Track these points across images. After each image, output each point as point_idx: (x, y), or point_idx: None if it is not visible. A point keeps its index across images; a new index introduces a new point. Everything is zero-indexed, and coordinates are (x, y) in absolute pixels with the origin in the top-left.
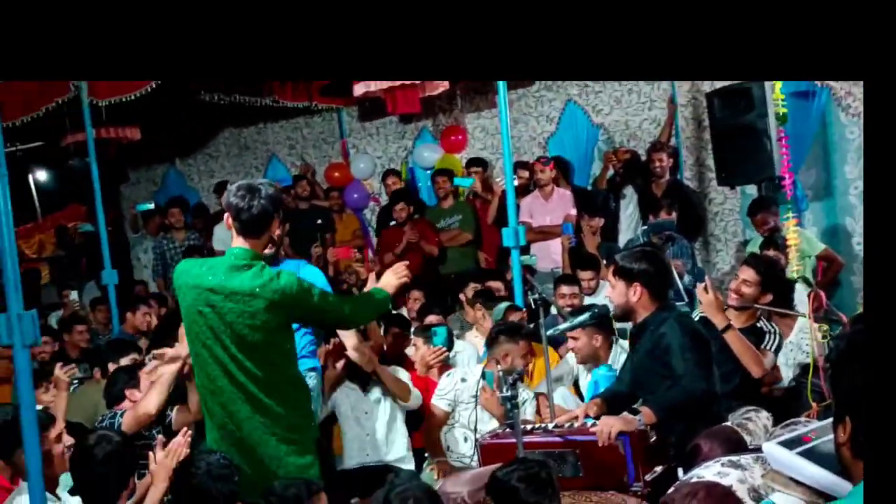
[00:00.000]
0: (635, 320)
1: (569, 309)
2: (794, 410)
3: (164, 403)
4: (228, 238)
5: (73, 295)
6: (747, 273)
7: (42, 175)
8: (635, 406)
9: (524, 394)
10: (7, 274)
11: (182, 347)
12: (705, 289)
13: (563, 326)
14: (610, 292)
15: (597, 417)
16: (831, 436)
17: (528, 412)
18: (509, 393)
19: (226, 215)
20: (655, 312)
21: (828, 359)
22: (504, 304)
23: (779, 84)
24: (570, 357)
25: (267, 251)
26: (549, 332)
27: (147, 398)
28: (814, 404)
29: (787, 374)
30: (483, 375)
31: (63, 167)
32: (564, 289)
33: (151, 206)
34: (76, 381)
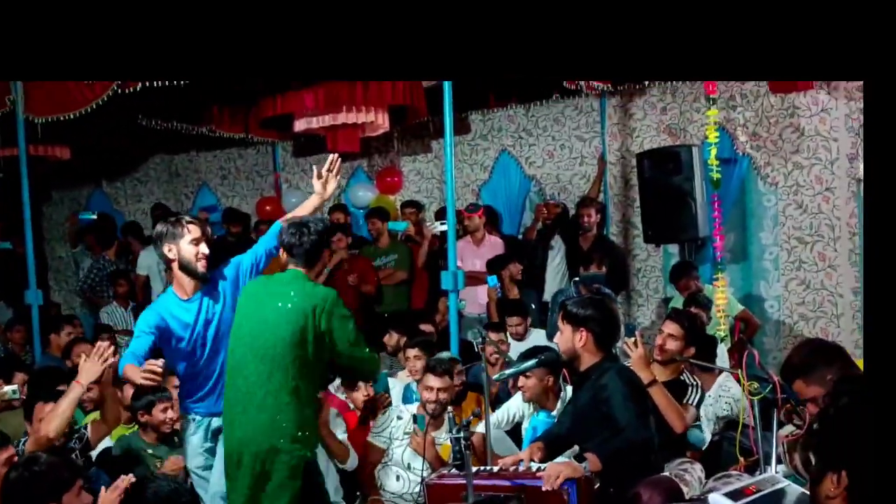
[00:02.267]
0: (579, 367)
1: (496, 356)
2: (716, 463)
3: (66, 427)
4: (153, 264)
5: None
6: (672, 328)
7: None
8: (576, 453)
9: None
10: None
11: (87, 371)
12: (635, 343)
13: (509, 371)
14: (558, 337)
15: (541, 461)
16: (773, 488)
17: None
18: (461, 434)
19: (281, 251)
20: (599, 362)
21: (822, 415)
22: (445, 354)
23: (714, 150)
24: (519, 397)
25: (321, 279)
26: (496, 377)
27: (46, 423)
28: (741, 458)
29: (707, 428)
30: (414, 419)
31: None
32: (492, 336)
33: (94, 216)
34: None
